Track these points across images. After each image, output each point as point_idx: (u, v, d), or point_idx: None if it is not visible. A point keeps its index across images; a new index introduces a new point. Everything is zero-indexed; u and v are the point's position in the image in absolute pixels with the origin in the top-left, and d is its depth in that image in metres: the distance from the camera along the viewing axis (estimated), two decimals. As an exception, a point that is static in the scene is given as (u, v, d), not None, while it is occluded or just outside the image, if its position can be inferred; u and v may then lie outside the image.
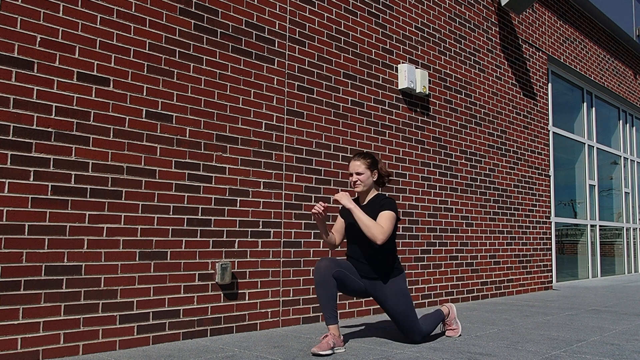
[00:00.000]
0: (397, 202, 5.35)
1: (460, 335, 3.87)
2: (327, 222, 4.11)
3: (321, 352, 3.19)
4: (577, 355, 3.23)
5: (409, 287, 5.38)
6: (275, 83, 4.43)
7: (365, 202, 3.66)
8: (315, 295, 4.53)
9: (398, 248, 5.30)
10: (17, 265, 3.05)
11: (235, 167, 4.10)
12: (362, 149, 5.05)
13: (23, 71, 3.13)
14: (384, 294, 3.56)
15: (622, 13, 10.37)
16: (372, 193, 3.68)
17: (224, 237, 4.00)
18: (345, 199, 3.46)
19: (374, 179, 3.68)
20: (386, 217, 3.46)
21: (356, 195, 3.75)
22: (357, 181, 3.62)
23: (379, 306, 5.06)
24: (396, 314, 3.55)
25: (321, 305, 3.38)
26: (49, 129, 3.20)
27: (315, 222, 3.53)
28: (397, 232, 5.32)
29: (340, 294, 4.70)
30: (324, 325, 4.35)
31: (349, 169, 3.67)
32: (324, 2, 4.88)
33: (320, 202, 3.47)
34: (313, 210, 3.47)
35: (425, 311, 5.23)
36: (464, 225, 6.15)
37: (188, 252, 3.79)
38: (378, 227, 3.39)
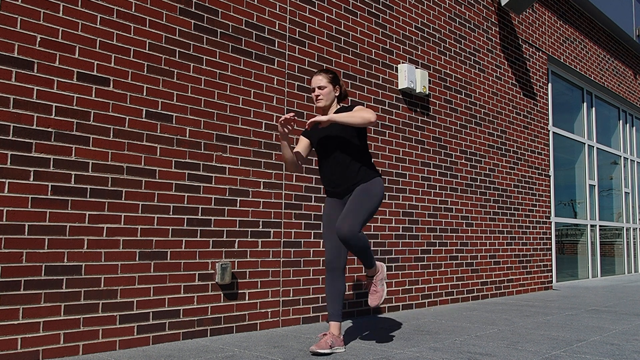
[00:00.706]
0: (397, 202, 5.35)
1: (382, 301, 3.56)
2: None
3: (319, 351, 3.18)
4: (577, 355, 3.23)
5: (409, 287, 5.38)
6: (275, 83, 4.43)
7: None
8: (315, 295, 4.53)
9: (398, 248, 5.30)
10: (17, 265, 3.05)
11: (235, 167, 4.10)
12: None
13: (23, 71, 3.13)
14: (354, 193, 3.41)
15: (622, 13, 10.37)
16: (335, 107, 3.60)
17: (224, 237, 4.00)
18: (318, 117, 3.26)
19: (336, 94, 3.60)
20: (360, 107, 3.41)
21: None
22: (319, 95, 3.53)
23: (378, 306, 5.07)
24: (348, 204, 3.34)
25: (327, 299, 3.42)
26: (49, 129, 3.20)
27: (280, 134, 3.35)
28: (397, 232, 5.32)
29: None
30: (324, 325, 4.35)
31: (311, 84, 3.57)
32: (324, 2, 4.88)
33: (290, 113, 3.32)
34: (282, 119, 3.26)
35: (425, 311, 5.24)
36: (464, 225, 6.15)
37: (188, 252, 3.79)
38: (360, 111, 3.31)
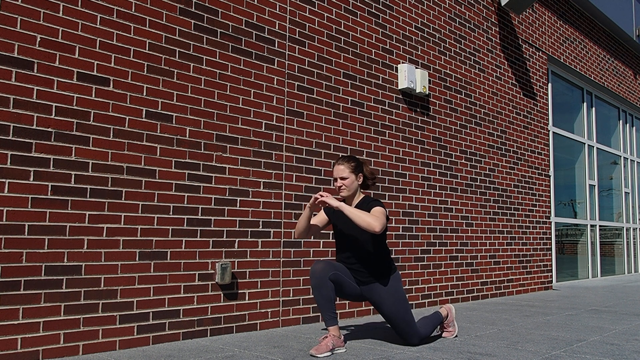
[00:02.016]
0: (397, 202, 5.35)
1: (456, 336, 3.86)
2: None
3: (318, 355, 3.17)
4: (577, 355, 3.23)
5: (409, 287, 5.38)
6: (275, 83, 4.43)
7: (352, 206, 3.53)
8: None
9: (398, 248, 5.30)
10: (17, 265, 3.05)
11: (235, 167, 4.10)
12: (360, 149, 5.05)
13: (23, 71, 3.13)
14: (379, 297, 3.51)
15: (622, 13, 10.37)
16: (359, 197, 3.59)
17: (224, 237, 4.00)
18: (331, 198, 3.34)
19: (359, 183, 3.58)
20: (378, 211, 3.37)
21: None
22: (341, 186, 3.52)
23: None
24: (392, 317, 3.50)
25: (320, 308, 3.35)
26: (49, 129, 3.20)
27: (309, 204, 3.42)
28: (397, 232, 5.32)
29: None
30: (324, 325, 4.35)
31: (333, 174, 3.56)
32: (324, 2, 4.88)
33: (330, 195, 3.37)
34: (319, 200, 3.33)
35: (424, 312, 5.23)
36: (464, 225, 6.15)
37: (188, 252, 3.79)
38: (372, 216, 3.29)
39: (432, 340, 3.69)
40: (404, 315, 3.49)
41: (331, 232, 4.70)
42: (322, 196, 3.35)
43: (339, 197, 3.59)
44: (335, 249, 3.67)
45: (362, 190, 3.66)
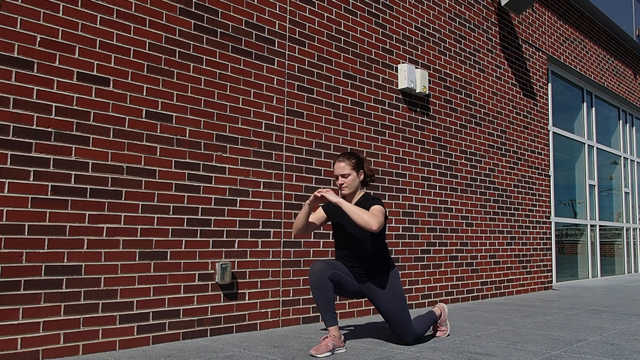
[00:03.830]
0: (397, 202, 5.35)
1: (448, 335, 3.87)
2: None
3: (318, 355, 3.17)
4: (577, 355, 3.23)
5: (409, 287, 5.38)
6: (275, 83, 4.43)
7: (353, 204, 3.53)
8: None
9: (398, 248, 5.30)
10: (17, 265, 3.05)
11: (235, 167, 4.10)
12: (360, 149, 5.05)
13: (23, 71, 3.13)
14: (377, 294, 3.51)
15: (622, 13, 10.37)
16: (359, 194, 3.58)
17: (224, 237, 4.00)
18: (331, 194, 3.33)
19: (360, 180, 3.56)
20: (377, 209, 3.35)
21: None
22: (343, 184, 3.50)
23: (379, 306, 5.07)
24: (389, 315, 3.50)
25: (319, 308, 3.35)
26: (49, 129, 3.20)
27: (310, 200, 3.42)
28: (397, 232, 5.32)
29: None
30: (324, 325, 4.35)
31: (334, 172, 3.53)
32: (324, 2, 4.88)
33: (329, 191, 3.37)
34: (320, 195, 3.34)
35: (423, 311, 5.23)
36: (464, 225, 6.15)
37: (188, 252, 3.79)
38: (371, 214, 3.27)
39: (427, 340, 3.69)
40: (401, 313, 3.49)
41: (331, 232, 4.70)
42: (320, 192, 3.35)
43: (341, 193, 3.58)
44: (334, 247, 3.66)
45: (362, 189, 3.64)
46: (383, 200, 5.20)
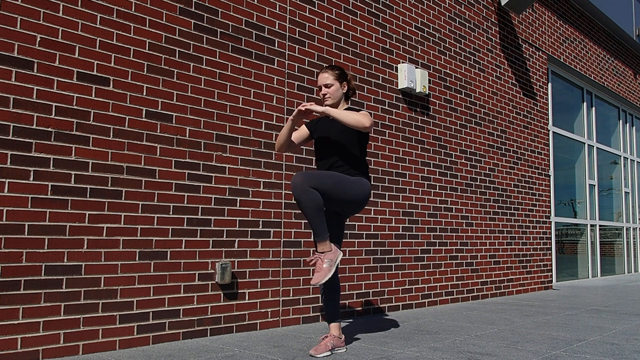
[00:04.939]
0: (397, 202, 5.35)
1: (324, 280, 3.12)
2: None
3: (317, 355, 3.17)
4: (577, 355, 3.23)
5: (409, 287, 5.38)
6: (275, 83, 4.43)
7: None
8: (315, 295, 4.53)
9: (398, 248, 5.30)
10: (17, 265, 3.05)
11: (235, 167, 4.10)
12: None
13: (23, 71, 3.13)
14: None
15: (622, 13, 10.37)
16: (342, 106, 3.52)
17: (224, 237, 4.00)
18: (315, 105, 3.24)
19: (344, 91, 3.51)
20: (364, 112, 3.28)
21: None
22: (326, 94, 3.44)
23: (378, 306, 5.07)
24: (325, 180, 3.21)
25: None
26: (49, 129, 3.20)
27: (293, 116, 3.35)
28: (397, 232, 5.32)
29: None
30: (324, 325, 4.35)
31: (318, 82, 3.48)
32: (324, 2, 4.88)
33: (312, 103, 3.27)
34: (305, 107, 3.25)
35: (424, 311, 5.24)
36: (464, 225, 6.15)
37: (188, 252, 3.79)
38: (360, 114, 3.22)
39: (433, 340, 3.69)
40: (323, 176, 3.19)
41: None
42: (305, 106, 3.26)
43: (326, 104, 3.47)
44: (314, 163, 3.50)
45: (345, 102, 3.56)
46: (383, 200, 5.20)
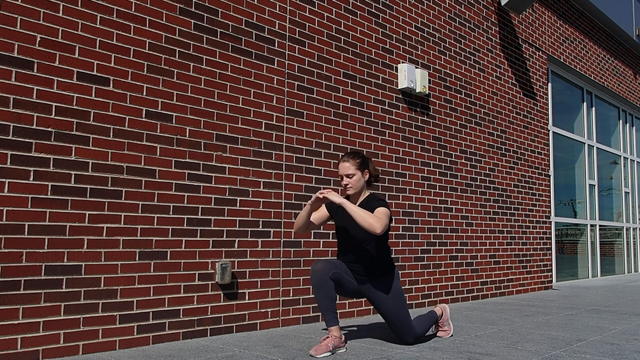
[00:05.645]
0: (397, 202, 5.35)
1: (451, 335, 3.85)
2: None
3: (317, 355, 3.17)
4: (577, 355, 3.23)
5: (409, 287, 5.38)
6: (275, 83, 4.43)
7: (357, 204, 3.51)
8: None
9: (398, 248, 5.30)
10: (17, 265, 3.05)
11: (235, 167, 4.10)
12: (361, 149, 5.05)
13: (23, 71, 3.13)
14: (377, 296, 3.49)
15: (622, 13, 10.37)
16: (364, 194, 3.53)
17: (224, 237, 4.00)
18: (334, 194, 3.28)
19: (365, 179, 3.51)
20: (382, 212, 3.31)
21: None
22: (348, 184, 3.44)
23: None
24: (390, 315, 3.48)
25: (321, 308, 3.33)
26: (49, 129, 3.20)
27: (311, 201, 3.39)
28: (397, 232, 5.32)
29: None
30: (324, 325, 4.35)
31: (339, 172, 3.48)
32: (324, 2, 4.88)
33: (331, 191, 3.33)
34: (322, 196, 3.30)
35: (424, 311, 5.23)
36: (464, 225, 6.15)
37: (188, 252, 3.79)
38: (375, 217, 3.23)
39: (427, 340, 3.69)
40: (401, 314, 3.48)
41: (332, 231, 4.70)
42: (322, 194, 3.32)
43: (346, 193, 3.52)
44: (336, 247, 3.64)
45: (367, 189, 3.59)
46: (383, 200, 5.20)
